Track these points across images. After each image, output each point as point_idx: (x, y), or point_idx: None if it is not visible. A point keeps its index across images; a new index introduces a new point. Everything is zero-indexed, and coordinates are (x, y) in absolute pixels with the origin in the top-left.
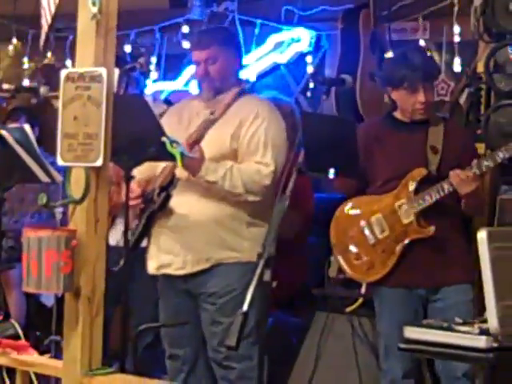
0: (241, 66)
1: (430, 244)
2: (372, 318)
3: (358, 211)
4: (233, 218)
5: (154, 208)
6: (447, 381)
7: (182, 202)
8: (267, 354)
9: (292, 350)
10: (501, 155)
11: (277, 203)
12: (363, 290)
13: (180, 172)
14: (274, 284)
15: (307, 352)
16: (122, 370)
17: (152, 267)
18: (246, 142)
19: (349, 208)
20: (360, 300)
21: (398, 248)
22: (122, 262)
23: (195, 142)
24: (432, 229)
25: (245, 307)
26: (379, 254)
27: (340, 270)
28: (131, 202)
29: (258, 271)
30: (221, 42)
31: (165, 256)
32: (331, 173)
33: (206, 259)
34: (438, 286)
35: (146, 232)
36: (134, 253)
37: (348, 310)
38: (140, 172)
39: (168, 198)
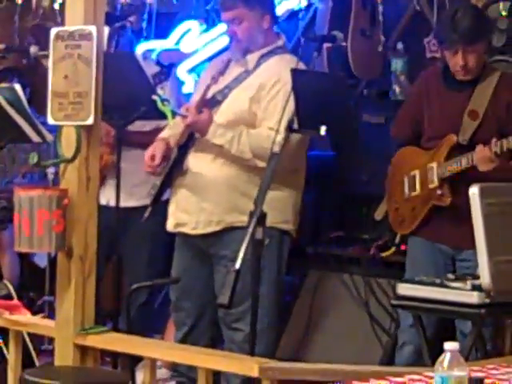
0: (274, 23)
1: (455, 211)
2: (365, 276)
3: (405, 162)
4: (246, 181)
5: (169, 166)
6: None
7: (198, 162)
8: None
9: (285, 308)
10: (506, 143)
11: (268, 161)
12: (397, 239)
13: None
14: (267, 242)
15: (300, 310)
16: (115, 329)
17: (170, 224)
18: (263, 106)
19: (400, 156)
20: (393, 248)
21: (424, 209)
22: (146, 214)
23: (203, 104)
24: (449, 200)
25: (237, 265)
26: (409, 211)
27: (386, 215)
28: (149, 170)
29: (250, 229)
30: (246, 2)
31: (181, 214)
32: (323, 130)
33: (217, 222)
34: (462, 246)
35: (164, 188)
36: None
37: (383, 254)
38: (175, 126)
39: (182, 156)
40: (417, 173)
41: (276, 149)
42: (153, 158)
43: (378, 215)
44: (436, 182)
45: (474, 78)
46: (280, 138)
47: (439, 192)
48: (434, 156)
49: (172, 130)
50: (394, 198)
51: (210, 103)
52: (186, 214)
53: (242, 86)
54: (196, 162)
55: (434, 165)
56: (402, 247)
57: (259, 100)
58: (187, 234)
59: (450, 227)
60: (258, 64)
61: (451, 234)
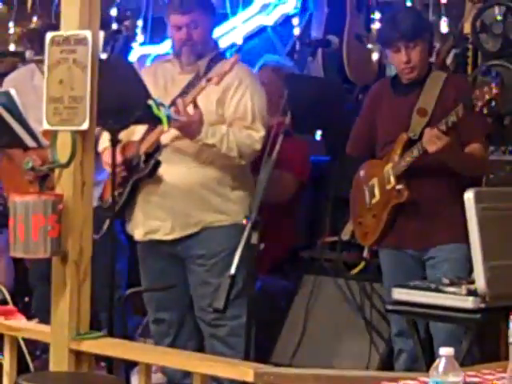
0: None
1: (415, 208)
2: (360, 281)
3: (364, 174)
4: (218, 182)
5: (142, 175)
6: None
7: (169, 169)
8: (255, 318)
9: (280, 313)
10: (451, 118)
11: (263, 166)
12: (365, 253)
13: (165, 138)
14: (262, 246)
15: (295, 315)
16: (111, 335)
17: (139, 234)
18: (232, 108)
19: (359, 171)
20: (362, 263)
21: (384, 214)
22: (105, 227)
23: (192, 104)
24: (406, 193)
25: (232, 270)
26: (371, 219)
27: (352, 234)
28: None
29: (246, 234)
30: (202, 7)
31: (152, 222)
32: (318, 134)
33: (195, 223)
34: (427, 246)
35: (131, 199)
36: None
37: (353, 272)
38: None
39: (158, 164)
40: (375, 180)
41: (258, 147)
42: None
43: (345, 235)
44: (392, 181)
45: (420, 80)
46: (259, 136)
47: (397, 187)
48: (388, 159)
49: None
50: (356, 213)
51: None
52: (158, 221)
53: (206, 89)
54: (166, 168)
55: (389, 166)
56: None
57: (224, 102)
58: (157, 241)
59: (412, 229)
60: (208, 68)
61: (414, 235)
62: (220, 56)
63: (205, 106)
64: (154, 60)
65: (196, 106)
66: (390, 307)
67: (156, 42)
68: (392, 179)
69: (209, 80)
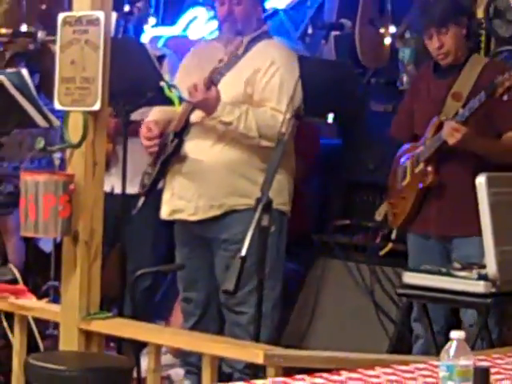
0: (263, 10)
1: (442, 193)
2: (370, 264)
3: (401, 157)
4: (246, 163)
5: (167, 154)
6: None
7: (196, 148)
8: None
9: (290, 296)
10: (472, 105)
11: (274, 148)
12: (393, 235)
13: (194, 117)
14: (273, 229)
15: (306, 298)
16: (121, 315)
17: (165, 212)
18: (261, 88)
19: (398, 154)
20: (390, 244)
21: (412, 196)
22: (139, 204)
23: (211, 82)
24: (430, 177)
25: (243, 252)
26: (401, 201)
27: (385, 215)
28: (147, 143)
29: (257, 216)
30: None
31: (178, 201)
32: (330, 117)
33: (219, 205)
34: (450, 236)
35: (160, 177)
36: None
37: (381, 253)
38: (157, 115)
39: (181, 143)
40: (408, 163)
41: (282, 129)
42: (149, 129)
43: (379, 215)
44: (421, 164)
45: (458, 64)
46: (284, 118)
47: (424, 171)
48: (420, 143)
49: (156, 115)
50: (391, 195)
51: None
52: (184, 201)
53: (236, 68)
54: (194, 148)
55: (420, 149)
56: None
57: (254, 82)
58: (184, 221)
59: (437, 216)
60: (247, 48)
61: (439, 223)
62: (263, 36)
63: (233, 86)
64: (166, 42)
65: (212, 84)
66: (400, 291)
67: (168, 23)
68: (421, 162)
69: (221, 61)
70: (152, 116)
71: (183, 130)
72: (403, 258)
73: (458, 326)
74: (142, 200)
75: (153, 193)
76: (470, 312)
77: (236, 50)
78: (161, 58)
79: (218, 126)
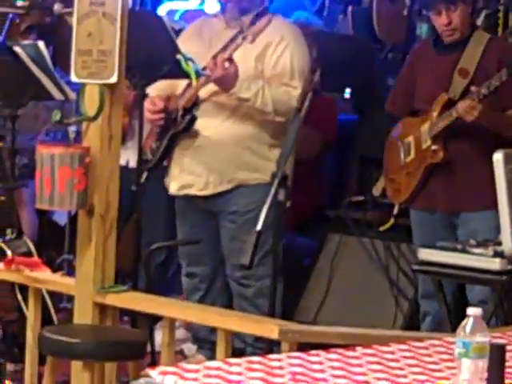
0: None
1: (450, 169)
2: (385, 240)
3: (399, 132)
4: (255, 139)
5: (178, 129)
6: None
7: (206, 124)
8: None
9: (304, 271)
10: (494, 82)
11: (291, 122)
12: (395, 210)
13: (203, 93)
14: (289, 204)
15: (320, 274)
16: (135, 289)
17: (174, 188)
18: (272, 65)
19: (395, 129)
20: (392, 220)
21: (418, 172)
22: (142, 180)
23: (230, 58)
24: (441, 154)
25: (259, 226)
26: (404, 177)
27: (384, 190)
28: (153, 116)
29: (273, 191)
30: None
31: (187, 177)
32: (347, 92)
33: (229, 180)
34: (457, 210)
35: (168, 153)
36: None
37: (381, 229)
38: (159, 89)
39: (193, 119)
40: (411, 138)
41: (294, 104)
42: (154, 103)
43: (377, 190)
44: (429, 141)
45: (462, 40)
46: (296, 93)
47: (433, 147)
48: (426, 118)
49: (160, 91)
50: (390, 170)
51: None
52: (193, 176)
53: (245, 45)
54: (203, 123)
55: (427, 125)
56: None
57: (264, 58)
58: (192, 196)
59: (444, 190)
60: (252, 24)
61: (446, 197)
62: (265, 12)
63: (244, 63)
64: (182, 16)
65: (231, 60)
66: (416, 267)
67: None
68: (428, 139)
69: (244, 38)
70: (154, 91)
71: (193, 106)
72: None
73: (466, 304)
74: (144, 175)
75: (161, 167)
76: (477, 288)
77: (245, 28)
78: (178, 32)
79: (232, 102)
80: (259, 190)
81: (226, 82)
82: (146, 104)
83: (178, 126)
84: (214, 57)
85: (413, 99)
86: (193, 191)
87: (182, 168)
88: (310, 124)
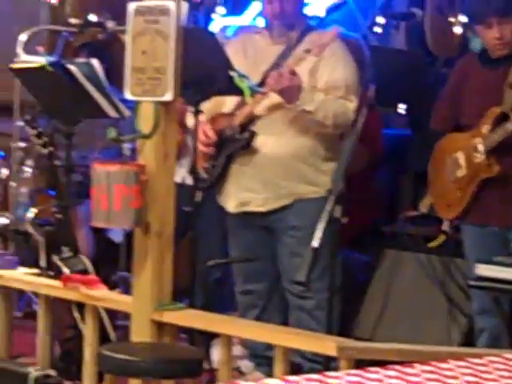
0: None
1: (504, 183)
2: (442, 255)
3: (446, 147)
4: (312, 152)
5: (238, 146)
6: None
7: (261, 140)
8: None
9: (360, 288)
10: None
11: (346, 138)
12: (445, 226)
13: (259, 110)
14: (345, 220)
15: (376, 290)
16: (192, 306)
17: (232, 206)
18: (325, 78)
19: (441, 144)
20: (442, 236)
21: (471, 187)
22: (196, 199)
23: (294, 71)
24: (497, 168)
25: (315, 243)
26: (455, 192)
27: (431, 206)
28: (206, 149)
29: (329, 208)
30: None
31: (245, 194)
32: (402, 108)
33: (288, 195)
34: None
35: (225, 171)
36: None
37: (430, 245)
38: (206, 109)
39: (253, 135)
40: (460, 154)
41: (351, 117)
42: (206, 136)
43: (424, 207)
44: (482, 155)
45: (510, 55)
46: (353, 106)
47: (487, 162)
48: (476, 133)
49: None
50: (438, 186)
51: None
52: (251, 193)
53: (294, 59)
54: (260, 140)
55: (478, 139)
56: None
57: (317, 72)
58: (249, 213)
59: (498, 205)
60: (299, 39)
61: (500, 212)
62: (310, 27)
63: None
64: (235, 32)
65: (294, 73)
66: (472, 283)
67: (237, 13)
68: (482, 153)
69: (308, 51)
70: (205, 110)
71: (249, 123)
72: None
73: None
74: (199, 194)
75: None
76: None
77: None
78: None
79: (288, 117)
80: (316, 204)
81: (291, 94)
82: (200, 133)
83: (236, 144)
84: (265, 74)
85: (458, 115)
86: (251, 208)
87: (239, 185)
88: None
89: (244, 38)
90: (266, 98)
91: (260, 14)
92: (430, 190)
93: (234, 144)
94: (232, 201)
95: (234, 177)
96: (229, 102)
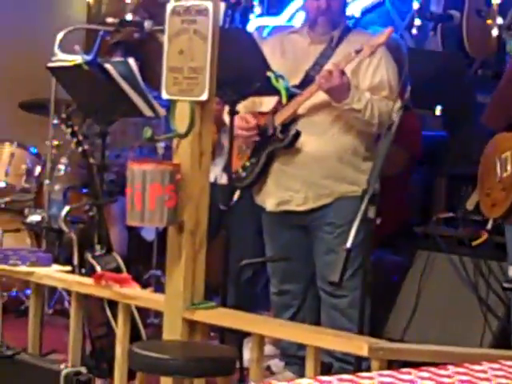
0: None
1: None
2: (474, 257)
3: (496, 146)
4: (352, 152)
5: (280, 146)
6: None
7: (303, 139)
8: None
9: (393, 288)
10: None
11: (382, 139)
12: (489, 225)
13: (302, 109)
14: (378, 221)
15: (408, 291)
16: (224, 305)
17: (271, 204)
18: (369, 78)
19: (493, 142)
20: (485, 235)
21: None
22: (235, 198)
23: (342, 70)
24: None
25: (348, 244)
26: (500, 192)
27: (477, 205)
28: (247, 133)
29: (363, 207)
30: None
31: (285, 193)
32: (438, 110)
33: (328, 194)
34: None
35: (265, 169)
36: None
37: (474, 243)
38: (244, 107)
39: (298, 135)
40: (508, 154)
41: (395, 116)
42: (247, 121)
43: (470, 205)
44: None
45: None
46: (396, 106)
47: None
48: None
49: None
50: (485, 185)
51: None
52: (291, 192)
53: (335, 59)
54: (302, 139)
55: None
56: None
57: (359, 72)
58: (287, 212)
59: None
60: (340, 39)
61: None
62: (349, 27)
63: None
64: (271, 32)
65: (343, 72)
66: (506, 285)
67: (273, 13)
68: None
69: (358, 52)
70: (242, 108)
71: (292, 122)
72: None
73: None
74: (238, 193)
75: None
76: None
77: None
78: None
79: (330, 117)
80: (354, 203)
81: (341, 93)
82: (238, 122)
83: (279, 142)
84: (306, 74)
85: (510, 114)
86: (291, 207)
87: (279, 184)
88: (394, 141)
89: (281, 37)
90: (309, 99)
91: (300, 9)
92: (478, 188)
93: (276, 143)
94: (272, 199)
95: (274, 175)
96: (266, 102)
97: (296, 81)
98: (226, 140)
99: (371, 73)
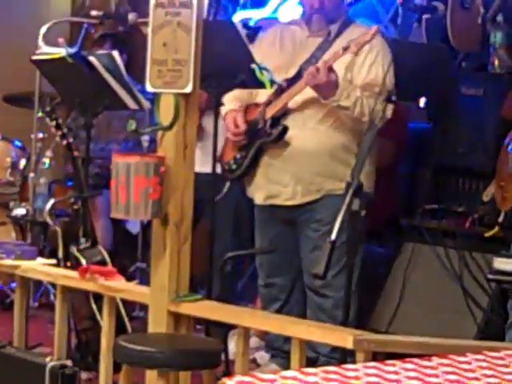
0: None
1: None
2: (459, 249)
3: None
4: (343, 148)
5: (268, 140)
6: None
7: (293, 134)
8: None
9: (378, 280)
10: None
11: (366, 132)
12: (501, 218)
13: (292, 103)
14: (363, 213)
15: (393, 283)
16: (209, 297)
17: (260, 197)
18: (363, 74)
19: (508, 136)
20: (497, 227)
21: None
22: (225, 189)
23: (331, 66)
24: None
25: (333, 236)
26: (511, 185)
27: (493, 196)
28: (235, 138)
29: (347, 200)
30: None
31: (274, 186)
32: (422, 102)
33: (317, 190)
34: None
35: (254, 163)
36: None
37: (487, 235)
38: (236, 97)
39: (285, 130)
40: None
41: (389, 114)
42: (236, 124)
43: (486, 196)
44: None
45: None
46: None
47: None
48: None
49: (239, 100)
50: (500, 177)
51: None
52: (279, 186)
53: (332, 54)
54: (292, 133)
55: None
56: None
57: (354, 67)
58: (275, 206)
59: None
60: (338, 33)
61: None
62: (349, 20)
63: None
64: (256, 24)
65: (332, 69)
66: (490, 276)
67: (258, 5)
68: None
69: (346, 49)
70: (231, 98)
71: (282, 117)
72: (494, 244)
73: None
74: (227, 185)
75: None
76: None
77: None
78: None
79: (320, 113)
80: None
81: (328, 90)
82: (229, 122)
83: (267, 136)
84: (301, 67)
85: None
86: (279, 201)
87: (267, 178)
88: (381, 133)
89: (280, 29)
90: (300, 92)
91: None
92: (495, 180)
93: (265, 137)
94: (260, 193)
95: (264, 169)
96: (262, 92)
97: (291, 73)
98: (208, 124)
99: (366, 68)
